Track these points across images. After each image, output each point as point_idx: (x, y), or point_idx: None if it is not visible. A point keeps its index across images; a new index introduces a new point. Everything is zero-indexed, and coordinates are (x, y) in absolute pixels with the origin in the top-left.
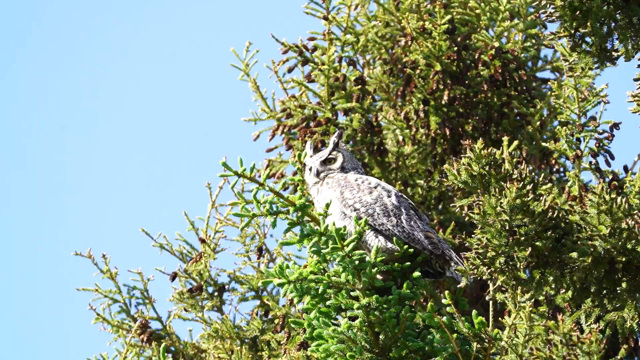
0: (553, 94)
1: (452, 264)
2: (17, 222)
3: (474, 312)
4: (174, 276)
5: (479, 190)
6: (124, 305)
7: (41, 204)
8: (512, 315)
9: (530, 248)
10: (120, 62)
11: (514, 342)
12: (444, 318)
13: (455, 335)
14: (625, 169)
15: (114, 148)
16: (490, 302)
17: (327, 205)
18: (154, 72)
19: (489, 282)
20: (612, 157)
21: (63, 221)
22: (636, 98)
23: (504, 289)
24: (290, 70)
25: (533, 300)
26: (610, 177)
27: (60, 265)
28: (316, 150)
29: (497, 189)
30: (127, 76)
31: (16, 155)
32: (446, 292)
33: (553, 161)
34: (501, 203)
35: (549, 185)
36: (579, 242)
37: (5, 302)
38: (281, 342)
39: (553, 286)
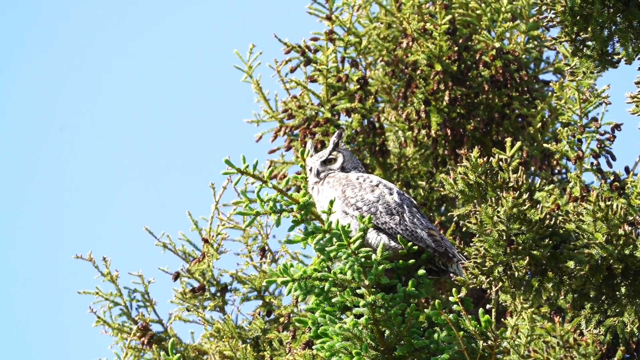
0: (554, 95)
1: (455, 261)
2: (17, 222)
3: (480, 310)
4: (176, 276)
5: (475, 200)
6: (125, 308)
7: (41, 204)
8: (514, 316)
9: (528, 257)
10: (120, 62)
11: (516, 342)
12: (451, 315)
13: (461, 333)
14: (627, 170)
15: (115, 148)
16: (492, 303)
17: (331, 203)
18: (156, 72)
19: (489, 289)
20: (614, 158)
21: (64, 222)
22: (635, 99)
23: (505, 291)
24: (292, 70)
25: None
26: (612, 178)
27: (61, 267)
28: (316, 150)
29: (493, 199)
30: (128, 76)
31: (16, 155)
32: (453, 289)
33: (554, 162)
34: (498, 212)
35: (551, 186)
36: (575, 251)
37: (5, 304)
38: (286, 341)
39: (552, 293)
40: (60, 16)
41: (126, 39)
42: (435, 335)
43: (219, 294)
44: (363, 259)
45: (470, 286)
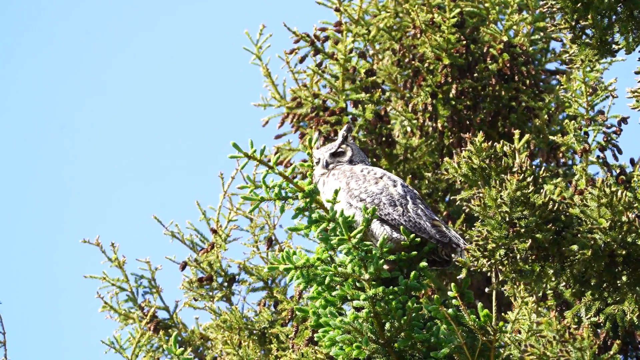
0: (561, 87)
1: (458, 251)
2: (17, 222)
3: (479, 304)
4: (184, 265)
5: (479, 183)
6: (131, 294)
7: (42, 204)
8: (514, 310)
9: (530, 240)
10: (120, 62)
11: (516, 337)
12: (450, 310)
13: (460, 327)
14: (632, 162)
15: (120, 141)
16: (494, 295)
17: (336, 192)
18: (162, 59)
19: (491, 275)
20: (620, 151)
21: (66, 221)
22: (635, 94)
23: (506, 281)
24: (302, 61)
25: (540, 294)
26: (618, 171)
27: (62, 268)
28: (324, 142)
29: (497, 181)
30: (128, 76)
31: (16, 155)
32: (452, 284)
33: (560, 155)
34: (501, 195)
35: (559, 179)
36: (579, 235)
37: (11, 290)
38: (289, 336)
39: (553, 279)
40: (60, 16)
41: (126, 39)
42: (436, 329)
43: (226, 285)
44: (364, 253)
45: (471, 269)
